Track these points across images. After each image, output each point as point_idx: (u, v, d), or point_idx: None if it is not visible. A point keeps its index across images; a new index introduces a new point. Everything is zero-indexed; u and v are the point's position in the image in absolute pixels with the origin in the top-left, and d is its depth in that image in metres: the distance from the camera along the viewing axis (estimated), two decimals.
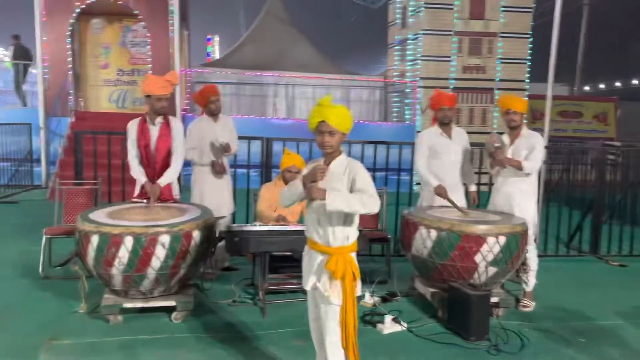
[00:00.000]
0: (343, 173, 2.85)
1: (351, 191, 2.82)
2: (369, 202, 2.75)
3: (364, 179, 2.82)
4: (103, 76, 12.87)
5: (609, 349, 3.95)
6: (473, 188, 5.27)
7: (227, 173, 5.46)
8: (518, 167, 4.58)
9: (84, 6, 11.44)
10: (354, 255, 2.92)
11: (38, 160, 11.32)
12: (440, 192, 4.80)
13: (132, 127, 4.67)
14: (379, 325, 4.16)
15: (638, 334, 4.25)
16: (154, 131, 4.65)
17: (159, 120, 4.67)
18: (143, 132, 4.63)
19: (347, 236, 2.86)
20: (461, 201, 4.96)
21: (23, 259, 5.71)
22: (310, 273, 2.94)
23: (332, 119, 2.78)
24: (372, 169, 6.08)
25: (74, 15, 11.54)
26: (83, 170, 5.99)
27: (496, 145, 4.68)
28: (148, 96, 4.59)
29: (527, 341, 4.01)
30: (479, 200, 5.40)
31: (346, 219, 2.85)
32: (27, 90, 12.92)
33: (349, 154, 3.01)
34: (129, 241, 3.79)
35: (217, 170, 5.25)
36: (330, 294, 2.82)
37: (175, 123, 4.76)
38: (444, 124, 5.00)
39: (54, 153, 11.24)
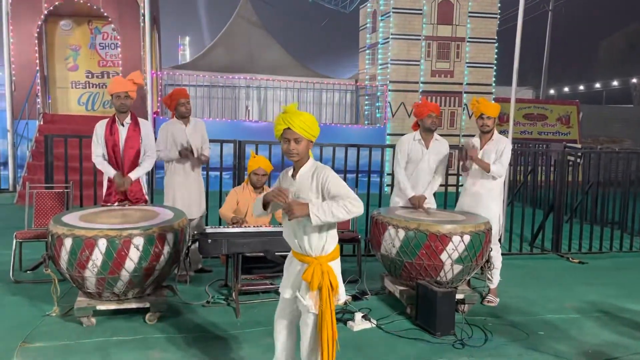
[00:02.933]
0: (311, 180, 2.79)
1: (324, 198, 2.77)
2: (351, 206, 2.68)
3: (337, 184, 2.74)
4: (72, 78, 12.72)
5: (566, 341, 4.16)
6: (427, 192, 5.09)
7: (199, 175, 5.51)
8: (486, 169, 4.77)
9: (51, 8, 11.31)
10: (334, 264, 2.88)
11: (5, 164, 11.12)
12: (415, 202, 4.95)
13: (101, 127, 4.73)
14: (350, 323, 4.29)
15: (593, 327, 4.49)
16: (123, 132, 4.71)
17: (127, 120, 4.73)
18: (112, 133, 4.69)
19: (323, 245, 2.82)
20: (431, 204, 5.12)
21: None
22: (289, 282, 2.93)
23: (296, 126, 2.74)
24: (343, 171, 6.22)
25: (42, 16, 11.39)
26: (53, 173, 5.97)
27: (473, 146, 4.88)
28: (112, 97, 4.69)
29: (491, 335, 4.20)
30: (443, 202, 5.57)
31: (321, 227, 2.79)
32: None
33: (321, 157, 3.07)
34: (102, 244, 3.83)
35: (184, 155, 5.20)
36: (308, 304, 2.81)
37: (145, 125, 4.83)
38: (429, 132, 5.04)
39: (21, 156, 11.06)
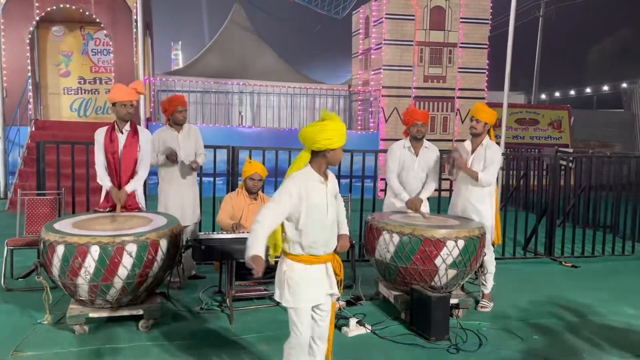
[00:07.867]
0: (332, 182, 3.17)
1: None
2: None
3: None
4: (64, 84, 12.67)
5: (560, 345, 4.18)
6: (422, 195, 5.08)
7: (194, 182, 5.49)
8: (474, 177, 4.77)
9: (43, 14, 11.26)
10: None
11: None
12: (412, 206, 4.96)
13: (100, 134, 4.69)
14: (344, 329, 4.27)
15: (587, 331, 4.50)
16: (122, 139, 4.68)
17: (127, 128, 4.71)
18: (112, 140, 4.66)
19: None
20: (425, 209, 5.12)
21: None
22: (318, 285, 3.02)
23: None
24: (337, 176, 6.20)
25: (34, 22, 11.34)
26: (45, 180, 5.92)
27: (457, 154, 4.87)
28: (114, 104, 4.64)
29: (485, 340, 4.20)
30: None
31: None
32: None
33: None
34: (95, 250, 3.80)
35: (171, 159, 5.14)
36: (338, 292, 3.11)
37: (143, 132, 4.80)
38: (417, 140, 5.07)
39: (12, 163, 10.98)
